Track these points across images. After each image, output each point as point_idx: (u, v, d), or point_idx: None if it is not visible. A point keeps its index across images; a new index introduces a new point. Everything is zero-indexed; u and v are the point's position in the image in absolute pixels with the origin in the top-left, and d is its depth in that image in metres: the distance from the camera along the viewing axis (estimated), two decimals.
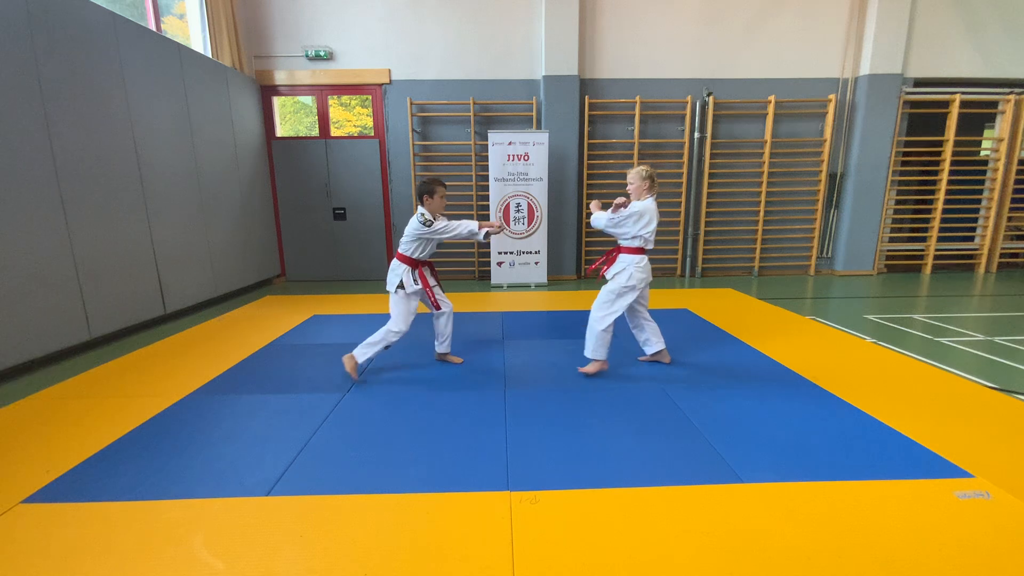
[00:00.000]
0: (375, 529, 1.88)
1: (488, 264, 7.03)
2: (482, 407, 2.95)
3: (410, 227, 3.31)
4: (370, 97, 7.09)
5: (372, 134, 7.17)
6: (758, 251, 7.42)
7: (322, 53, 6.77)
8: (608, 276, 3.40)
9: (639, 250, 3.31)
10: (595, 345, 3.39)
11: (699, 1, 6.78)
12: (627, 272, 3.29)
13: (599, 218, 3.34)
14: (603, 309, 3.36)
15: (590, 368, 3.43)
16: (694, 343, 4.14)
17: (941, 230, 7.47)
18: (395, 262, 3.42)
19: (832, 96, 6.99)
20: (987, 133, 8.50)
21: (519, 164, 6.52)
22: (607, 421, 2.75)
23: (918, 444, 2.46)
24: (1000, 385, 3.23)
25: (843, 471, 2.23)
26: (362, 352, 3.36)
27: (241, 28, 6.53)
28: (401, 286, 3.35)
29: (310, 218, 7.22)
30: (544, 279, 6.88)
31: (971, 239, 7.68)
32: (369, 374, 3.52)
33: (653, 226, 3.26)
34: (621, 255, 3.36)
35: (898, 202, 7.61)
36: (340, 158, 7.03)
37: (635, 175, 3.31)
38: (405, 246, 3.37)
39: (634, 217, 3.22)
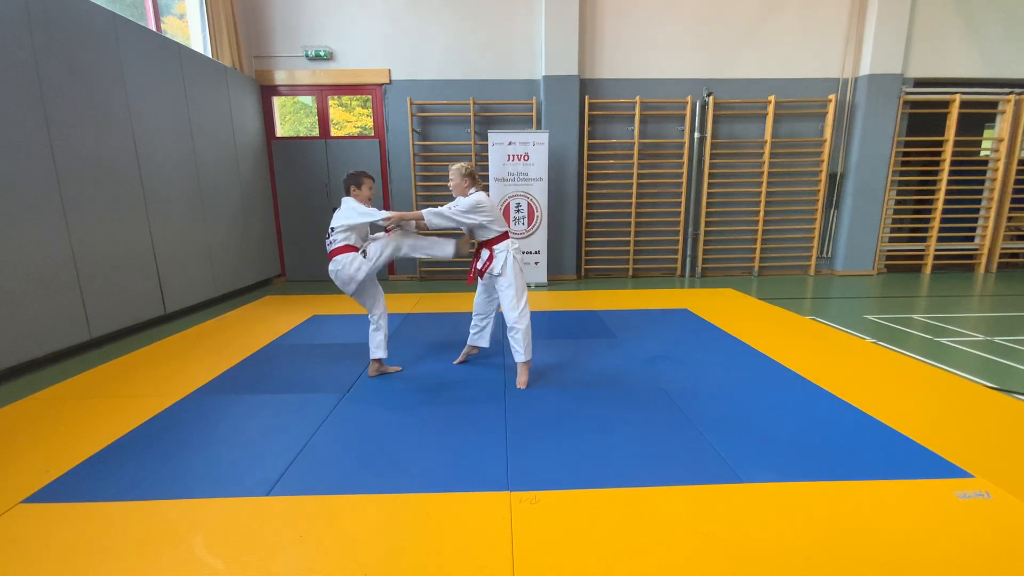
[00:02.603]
0: (375, 529, 1.88)
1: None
2: (482, 407, 2.95)
3: (351, 214, 3.17)
4: (370, 97, 7.09)
5: (372, 134, 7.17)
6: (758, 251, 7.42)
7: (322, 53, 6.77)
8: (496, 272, 3.24)
9: (504, 236, 3.26)
10: (527, 345, 3.24)
11: (699, 1, 6.78)
12: (509, 257, 3.22)
13: (429, 210, 3.18)
14: (517, 306, 3.20)
15: (525, 376, 3.26)
16: (694, 343, 4.14)
17: (941, 230, 7.47)
18: (342, 256, 3.19)
19: (832, 96, 6.99)
20: (987, 133, 8.50)
21: (519, 164, 6.52)
22: (607, 421, 2.75)
23: (918, 444, 2.45)
24: (1000, 385, 3.23)
25: (843, 471, 2.23)
26: (376, 351, 3.37)
27: (241, 28, 6.53)
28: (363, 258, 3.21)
29: (310, 218, 7.21)
30: (544, 279, 6.88)
31: (971, 239, 7.68)
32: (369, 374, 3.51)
33: (497, 211, 3.24)
34: (495, 247, 3.25)
35: (898, 202, 7.62)
36: (340, 158, 7.03)
37: (455, 172, 3.26)
38: (344, 236, 3.20)
39: (476, 208, 3.14)
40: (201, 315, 5.30)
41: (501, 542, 1.80)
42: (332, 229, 3.24)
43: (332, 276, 3.27)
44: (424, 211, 3.18)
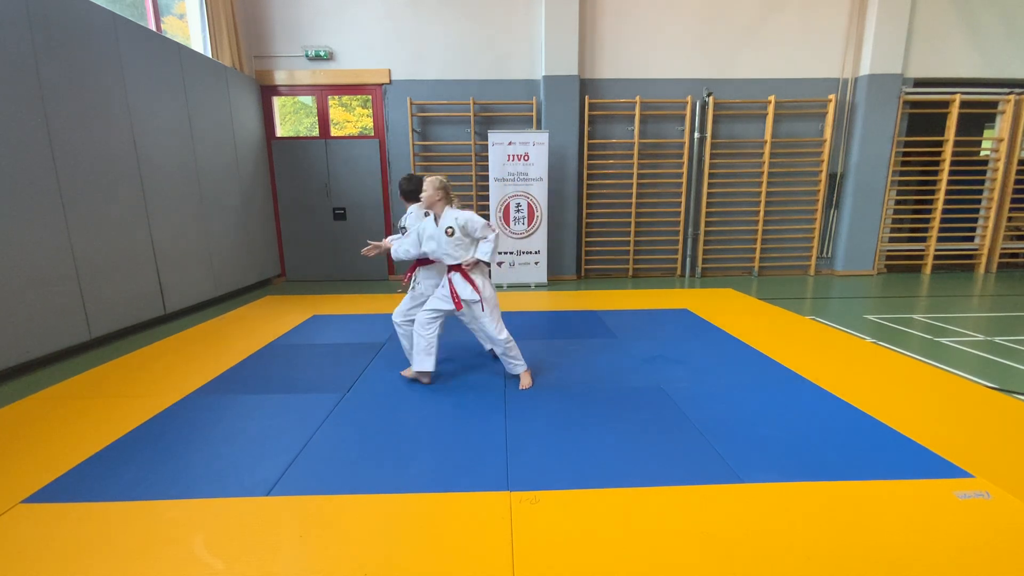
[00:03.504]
0: (375, 529, 1.88)
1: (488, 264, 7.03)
2: (482, 407, 2.95)
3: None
4: (370, 97, 7.09)
5: (372, 134, 7.17)
6: (758, 251, 7.42)
7: (322, 53, 6.77)
8: (479, 297, 3.12)
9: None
10: (520, 357, 3.25)
11: (699, 1, 6.78)
12: (486, 279, 3.20)
13: (486, 251, 3.05)
14: (501, 327, 3.16)
15: (528, 379, 3.25)
16: (694, 343, 4.14)
17: (941, 230, 7.47)
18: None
19: (832, 96, 6.99)
20: (987, 133, 8.50)
21: (519, 164, 6.52)
22: (607, 421, 2.75)
23: (918, 444, 2.45)
24: (1000, 385, 3.23)
25: (843, 471, 2.23)
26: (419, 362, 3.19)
27: (241, 28, 6.53)
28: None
29: (310, 218, 7.22)
30: (544, 279, 6.88)
31: (971, 239, 7.67)
32: (369, 374, 3.51)
33: None
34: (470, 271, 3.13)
35: (898, 202, 7.61)
36: (340, 158, 7.04)
37: (429, 184, 3.04)
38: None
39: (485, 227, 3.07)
40: (201, 315, 5.30)
41: (501, 542, 1.80)
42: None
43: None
44: (483, 254, 3.04)
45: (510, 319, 4.93)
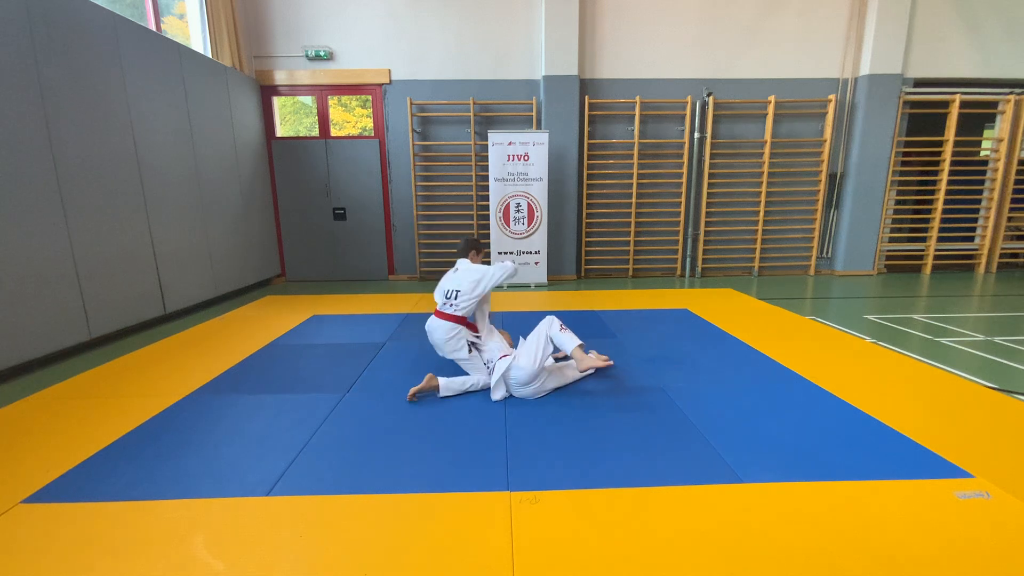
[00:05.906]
0: (375, 529, 1.88)
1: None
2: (482, 407, 2.95)
3: (485, 283, 3.21)
4: (370, 97, 7.09)
5: (372, 134, 7.17)
6: (758, 251, 7.42)
7: (322, 53, 6.77)
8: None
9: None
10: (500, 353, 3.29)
11: (699, 1, 6.78)
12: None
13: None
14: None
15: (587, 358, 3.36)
16: (694, 343, 4.14)
17: (941, 230, 7.47)
18: (453, 325, 3.22)
19: (832, 96, 6.99)
20: (987, 133, 8.50)
21: (519, 164, 6.52)
22: (607, 421, 2.75)
23: (918, 444, 2.45)
24: (1000, 385, 3.23)
25: (843, 471, 2.23)
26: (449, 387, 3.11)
27: (241, 28, 6.53)
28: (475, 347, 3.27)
29: (310, 218, 7.22)
30: (544, 279, 6.88)
31: (971, 239, 7.68)
32: (369, 374, 3.51)
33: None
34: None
35: (898, 202, 7.61)
36: (340, 158, 7.04)
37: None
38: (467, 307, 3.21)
39: None
40: (201, 315, 5.30)
41: (501, 542, 1.79)
42: (456, 292, 3.23)
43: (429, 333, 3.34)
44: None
45: (510, 319, 4.95)
